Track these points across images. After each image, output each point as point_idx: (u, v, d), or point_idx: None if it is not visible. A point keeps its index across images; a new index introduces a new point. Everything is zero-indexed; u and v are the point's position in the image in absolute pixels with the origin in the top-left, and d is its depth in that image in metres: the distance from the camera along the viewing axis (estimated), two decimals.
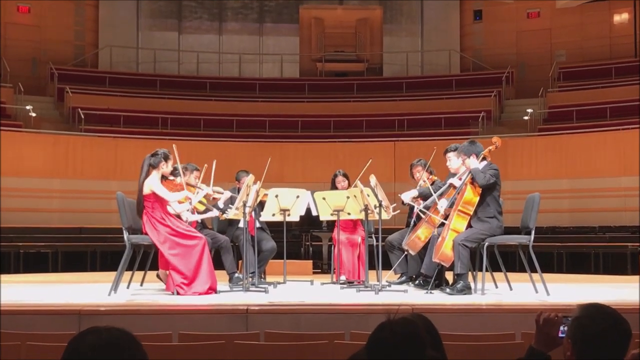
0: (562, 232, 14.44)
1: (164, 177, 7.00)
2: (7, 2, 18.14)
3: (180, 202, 7.09)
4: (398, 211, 7.83)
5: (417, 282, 7.56)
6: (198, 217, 7.70)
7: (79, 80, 18.14)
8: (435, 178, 7.92)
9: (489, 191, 6.83)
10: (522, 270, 7.62)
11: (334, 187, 8.51)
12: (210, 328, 5.08)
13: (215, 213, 7.76)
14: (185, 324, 5.14)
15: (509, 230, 7.20)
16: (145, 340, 4.02)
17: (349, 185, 8.34)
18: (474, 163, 6.87)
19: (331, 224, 8.92)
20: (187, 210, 7.39)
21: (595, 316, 2.34)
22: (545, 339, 2.56)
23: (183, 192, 7.01)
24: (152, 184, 6.79)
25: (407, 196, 7.67)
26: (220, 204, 7.97)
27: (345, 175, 8.51)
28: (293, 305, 5.92)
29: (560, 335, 2.52)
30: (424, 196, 7.61)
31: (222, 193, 7.94)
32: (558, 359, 2.53)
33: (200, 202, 7.60)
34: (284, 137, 16.68)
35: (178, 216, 7.17)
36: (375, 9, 20.83)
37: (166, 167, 6.94)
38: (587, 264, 13.14)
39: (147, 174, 6.82)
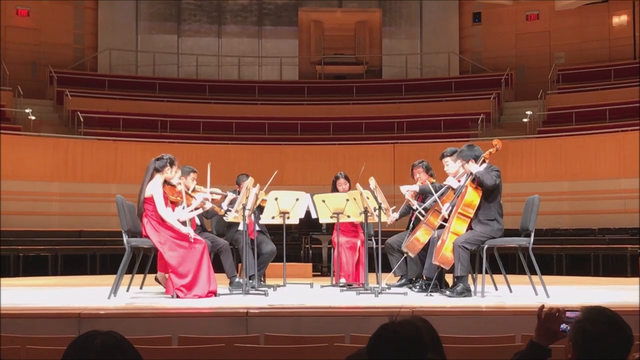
0: (562, 234, 14.44)
1: (166, 182, 7.01)
2: (7, 6, 18.15)
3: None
4: (397, 217, 7.86)
5: (418, 285, 7.53)
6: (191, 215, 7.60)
7: (78, 83, 18.13)
8: (434, 180, 7.91)
9: (492, 193, 6.81)
10: (521, 272, 7.62)
11: (334, 189, 8.50)
12: (210, 331, 5.08)
13: (199, 211, 7.64)
14: (185, 327, 5.13)
15: (508, 233, 7.20)
16: (145, 343, 4.03)
17: (350, 188, 8.33)
18: (476, 167, 6.84)
19: (331, 227, 8.92)
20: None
21: (597, 320, 2.34)
22: (546, 333, 2.56)
23: (177, 213, 7.05)
24: (154, 189, 6.81)
25: (405, 188, 7.68)
26: (224, 206, 7.97)
27: (346, 178, 8.50)
28: (293, 308, 5.93)
29: (562, 329, 2.53)
30: (423, 194, 7.61)
31: (220, 194, 7.94)
32: (559, 359, 2.53)
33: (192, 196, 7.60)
34: (284, 140, 16.68)
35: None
36: (374, 11, 20.84)
37: (170, 172, 6.97)
38: (587, 266, 13.13)
39: (151, 177, 6.85)
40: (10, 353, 4.03)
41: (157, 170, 6.90)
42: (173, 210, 7.16)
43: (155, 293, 7.46)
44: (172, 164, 6.96)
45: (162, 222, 6.84)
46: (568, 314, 2.56)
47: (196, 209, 7.36)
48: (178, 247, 6.80)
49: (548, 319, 2.56)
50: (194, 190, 7.74)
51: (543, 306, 2.60)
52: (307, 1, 20.93)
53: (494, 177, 6.72)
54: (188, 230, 6.92)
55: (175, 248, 6.80)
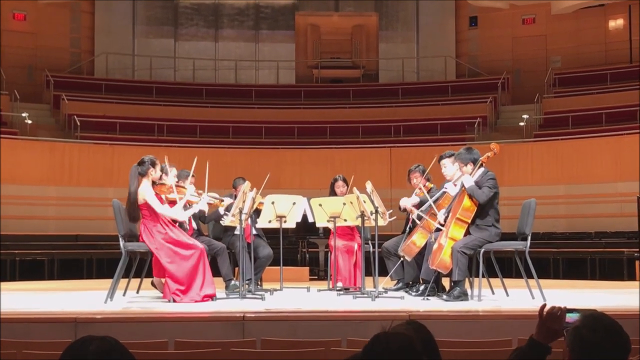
0: (558, 237, 14.45)
1: (153, 183, 7.00)
2: (3, 10, 18.13)
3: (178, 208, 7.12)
4: (394, 217, 7.83)
5: (414, 288, 7.52)
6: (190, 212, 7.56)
7: (75, 87, 18.12)
8: (432, 185, 7.92)
9: (489, 201, 6.82)
10: (518, 276, 7.62)
11: (332, 191, 8.50)
12: (207, 335, 5.08)
13: (202, 206, 7.58)
14: (182, 332, 5.13)
15: (505, 236, 7.20)
16: (141, 347, 4.03)
17: (348, 191, 8.33)
18: (469, 181, 6.83)
19: (327, 231, 8.91)
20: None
21: (594, 327, 2.33)
22: (546, 332, 2.56)
23: (174, 210, 7.02)
24: (145, 193, 6.80)
25: (408, 202, 7.67)
26: (221, 211, 7.96)
27: (345, 180, 8.50)
28: (289, 312, 5.92)
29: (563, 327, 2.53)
30: (423, 204, 7.61)
31: (218, 199, 7.93)
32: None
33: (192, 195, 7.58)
34: (280, 144, 16.69)
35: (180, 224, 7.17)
36: (371, 15, 20.86)
37: (155, 173, 6.97)
38: (584, 269, 13.14)
39: (139, 183, 6.83)
40: (6, 358, 4.02)
41: (142, 174, 6.89)
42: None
43: (151, 297, 7.44)
44: (153, 164, 6.96)
45: (158, 228, 6.81)
46: (567, 318, 2.56)
47: (189, 204, 7.33)
48: (174, 253, 6.79)
49: (549, 318, 2.56)
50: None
51: (545, 305, 2.60)
52: (304, 4, 20.94)
53: (486, 191, 6.73)
54: (189, 214, 7.21)
55: (171, 254, 6.79)
